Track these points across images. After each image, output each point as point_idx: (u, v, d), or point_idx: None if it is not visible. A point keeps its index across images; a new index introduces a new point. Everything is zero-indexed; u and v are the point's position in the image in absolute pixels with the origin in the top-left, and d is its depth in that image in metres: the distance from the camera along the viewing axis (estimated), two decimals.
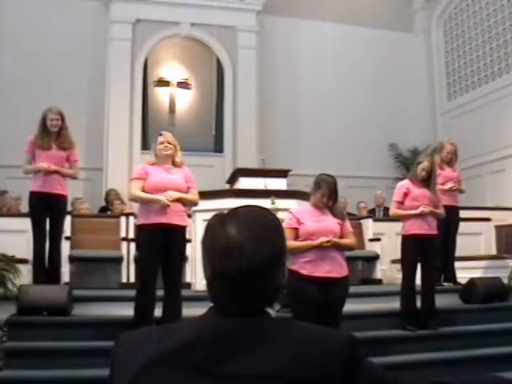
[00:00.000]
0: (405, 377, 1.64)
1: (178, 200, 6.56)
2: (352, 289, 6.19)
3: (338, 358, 1.51)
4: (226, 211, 1.67)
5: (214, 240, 1.61)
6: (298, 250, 5.90)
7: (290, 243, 5.85)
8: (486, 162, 14.15)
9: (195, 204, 6.98)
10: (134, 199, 6.81)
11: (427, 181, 7.58)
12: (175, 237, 6.54)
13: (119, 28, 14.04)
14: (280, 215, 6.07)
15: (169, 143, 6.77)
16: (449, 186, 9.07)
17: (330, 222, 6.04)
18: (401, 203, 7.59)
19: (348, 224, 6.27)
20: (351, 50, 16.04)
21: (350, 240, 6.16)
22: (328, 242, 5.88)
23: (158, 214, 6.46)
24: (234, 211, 1.66)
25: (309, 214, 6.08)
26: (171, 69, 14.82)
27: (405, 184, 7.66)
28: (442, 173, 9.07)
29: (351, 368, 1.52)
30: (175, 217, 6.52)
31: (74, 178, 7.90)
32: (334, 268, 5.91)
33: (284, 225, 5.91)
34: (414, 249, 7.39)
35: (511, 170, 13.53)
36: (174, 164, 6.81)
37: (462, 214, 9.59)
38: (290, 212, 6.18)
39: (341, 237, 6.04)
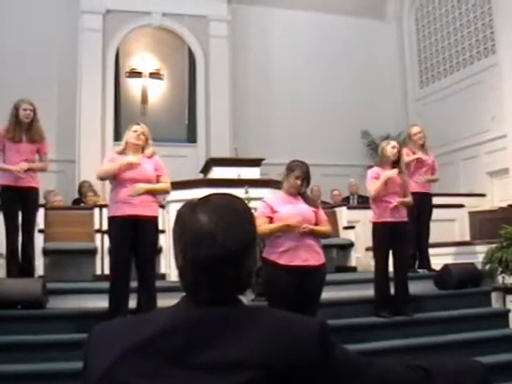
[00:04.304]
0: (380, 362, 1.65)
1: (149, 191, 6.53)
2: (327, 276, 6.19)
3: (311, 346, 1.51)
4: (196, 199, 1.67)
5: (185, 228, 1.60)
6: (273, 232, 5.89)
7: (265, 227, 5.86)
8: (458, 148, 14.22)
9: (167, 192, 6.96)
10: (102, 174, 6.75)
11: (397, 163, 7.62)
12: (146, 228, 6.51)
13: (90, 18, 13.90)
14: (253, 204, 6.09)
15: (143, 134, 6.74)
16: (424, 178, 9.13)
17: (305, 209, 6.04)
18: None
19: (322, 212, 6.28)
20: (323, 38, 16.00)
21: (326, 227, 6.18)
22: (305, 228, 5.87)
23: (127, 206, 6.43)
24: (204, 199, 1.65)
25: (283, 202, 6.08)
26: (143, 59, 14.75)
27: (375, 170, 7.66)
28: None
29: (324, 355, 1.52)
30: (144, 208, 6.49)
31: (43, 171, 7.83)
32: (311, 256, 5.92)
33: (257, 213, 5.92)
34: (384, 236, 7.40)
35: (484, 157, 13.61)
36: (144, 154, 6.77)
37: (436, 200, 9.65)
38: (263, 201, 6.18)
39: (316, 224, 6.05)
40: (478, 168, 13.72)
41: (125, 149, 6.75)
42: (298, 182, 6.06)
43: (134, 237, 6.44)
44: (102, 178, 6.91)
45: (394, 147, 7.60)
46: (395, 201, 7.40)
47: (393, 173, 7.44)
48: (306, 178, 6.12)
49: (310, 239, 5.95)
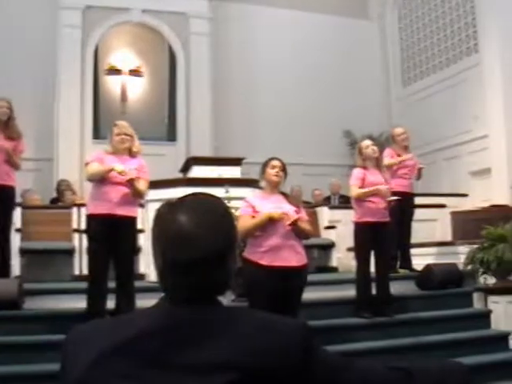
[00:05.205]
0: (361, 363, 1.66)
1: (131, 185, 6.48)
2: (308, 277, 6.21)
3: (292, 347, 1.52)
4: (175, 199, 1.66)
5: (165, 229, 1.60)
6: (257, 226, 5.89)
7: (248, 222, 5.87)
8: (441, 148, 14.28)
9: (141, 196, 6.91)
10: (92, 175, 6.62)
11: (378, 162, 7.68)
12: (125, 227, 6.49)
13: (69, 14, 13.81)
14: (234, 204, 6.09)
15: (125, 134, 6.72)
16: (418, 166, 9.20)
17: (287, 208, 6.04)
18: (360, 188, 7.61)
19: (304, 212, 6.29)
20: (306, 36, 16.00)
21: (309, 226, 6.21)
22: (289, 219, 5.88)
23: (106, 204, 6.41)
24: (183, 199, 1.65)
25: (265, 202, 6.08)
26: (123, 56, 14.68)
27: (360, 170, 7.69)
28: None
29: (305, 357, 1.52)
30: (124, 207, 6.47)
31: (17, 168, 7.69)
32: (292, 256, 5.93)
33: (240, 213, 5.93)
34: (366, 236, 7.43)
35: (466, 157, 13.68)
36: (131, 154, 6.77)
37: (418, 200, 9.71)
38: (245, 200, 6.18)
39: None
40: (461, 168, 13.79)
41: (114, 151, 6.73)
42: (277, 170, 6.09)
43: (112, 236, 6.42)
44: (91, 180, 6.79)
45: (368, 146, 7.67)
46: (377, 201, 7.44)
47: (385, 189, 7.48)
48: (283, 169, 6.15)
49: (292, 240, 5.96)
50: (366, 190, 7.51)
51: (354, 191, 7.61)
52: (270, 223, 5.89)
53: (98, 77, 14.25)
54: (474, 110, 13.31)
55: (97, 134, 13.38)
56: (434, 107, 14.67)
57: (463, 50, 14.17)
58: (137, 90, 14.79)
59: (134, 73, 14.71)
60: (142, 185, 6.65)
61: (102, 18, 14.08)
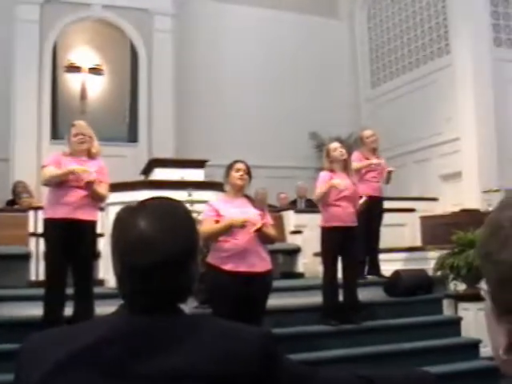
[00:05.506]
0: (327, 371, 1.67)
1: (90, 188, 6.44)
2: (273, 283, 6.23)
3: (255, 356, 1.53)
4: (135, 203, 1.66)
5: (124, 233, 1.60)
6: (218, 232, 5.90)
7: (209, 227, 5.87)
8: (410, 150, 14.39)
9: (102, 200, 6.88)
10: (49, 180, 6.51)
11: (346, 165, 7.71)
12: (84, 231, 6.45)
13: (26, 9, 13.65)
14: (197, 208, 6.09)
15: (83, 135, 6.68)
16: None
17: (251, 213, 6.05)
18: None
19: (269, 216, 6.31)
20: (274, 35, 16.06)
21: (274, 231, 6.23)
22: (253, 226, 5.90)
23: (65, 208, 6.35)
24: (143, 203, 1.65)
25: (229, 206, 6.08)
26: (82, 53, 14.57)
27: (327, 173, 7.69)
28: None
29: (268, 366, 1.53)
30: (83, 211, 6.43)
31: None
32: (257, 262, 5.94)
33: (203, 216, 5.94)
34: (334, 241, 7.43)
35: (437, 160, 13.78)
36: (90, 155, 6.72)
37: (386, 204, 9.75)
38: (209, 204, 6.19)
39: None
40: (431, 171, 13.90)
41: (71, 152, 6.68)
42: (241, 173, 6.11)
43: (71, 240, 6.38)
44: (47, 185, 6.71)
45: (336, 149, 7.69)
46: (345, 205, 7.47)
47: (339, 183, 7.47)
48: (247, 172, 6.17)
49: (257, 245, 5.98)
50: (328, 184, 7.48)
51: (316, 193, 7.64)
52: (234, 228, 5.91)
53: (56, 74, 14.13)
54: (446, 112, 13.43)
55: (55, 134, 13.27)
56: (404, 109, 14.78)
57: (434, 51, 14.29)
58: (97, 88, 14.71)
59: (95, 70, 14.62)
60: (102, 188, 6.60)
61: (61, 13, 13.94)
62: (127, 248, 1.58)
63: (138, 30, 14.52)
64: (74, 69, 14.51)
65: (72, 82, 14.56)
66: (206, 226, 5.86)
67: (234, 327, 1.62)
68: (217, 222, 5.96)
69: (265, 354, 1.54)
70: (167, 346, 1.50)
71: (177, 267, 1.58)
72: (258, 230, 5.90)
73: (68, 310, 6.46)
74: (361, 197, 7.99)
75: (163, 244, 1.56)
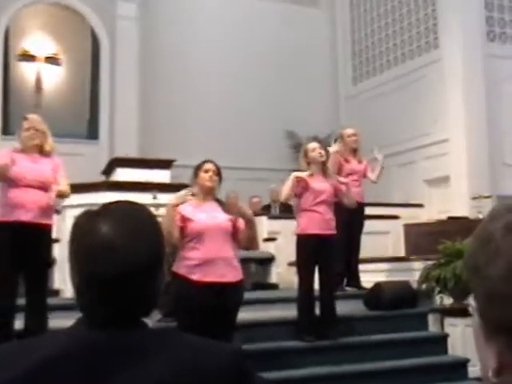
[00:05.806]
0: None
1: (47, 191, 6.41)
2: (244, 294, 6.23)
3: (228, 373, 1.53)
4: (96, 208, 1.66)
5: (83, 240, 1.59)
6: (170, 223, 5.89)
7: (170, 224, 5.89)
8: (394, 153, 14.31)
9: (66, 196, 6.87)
10: None
11: (324, 166, 7.70)
12: (38, 237, 6.40)
13: None
14: (163, 212, 6.08)
15: (36, 130, 6.64)
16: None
17: (221, 218, 6.05)
18: (296, 196, 7.58)
19: (241, 220, 6.30)
20: (248, 24, 16.08)
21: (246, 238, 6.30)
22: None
23: (17, 211, 6.30)
24: (105, 207, 1.65)
25: (197, 210, 6.07)
26: (37, 41, 14.46)
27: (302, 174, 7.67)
28: (345, 165, 9.19)
29: (240, 381, 1.54)
30: (38, 214, 6.39)
31: None
32: (227, 271, 5.93)
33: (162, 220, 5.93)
34: (310, 250, 7.40)
35: (421, 163, 13.84)
36: (42, 152, 6.68)
37: (368, 210, 9.77)
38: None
39: (233, 235, 6.08)
40: (415, 175, 13.95)
41: (23, 148, 6.64)
42: (210, 174, 6.12)
43: (23, 247, 6.33)
44: None
45: (315, 149, 7.67)
46: (323, 211, 7.47)
47: (302, 174, 7.46)
48: (217, 173, 6.19)
49: (228, 252, 5.98)
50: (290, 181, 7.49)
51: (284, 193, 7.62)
52: (203, 233, 5.92)
53: (8, 63, 14.04)
54: (433, 112, 13.48)
55: (6, 130, 13.19)
56: (388, 107, 14.80)
57: (422, 45, 14.35)
58: (54, 79, 14.61)
59: (51, 60, 14.51)
60: (63, 185, 6.59)
61: None
62: (87, 256, 1.57)
63: (100, 17, 14.44)
64: (28, 57, 14.39)
65: (26, 72, 14.46)
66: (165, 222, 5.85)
67: (204, 343, 1.62)
68: (181, 228, 5.95)
69: (237, 371, 1.55)
70: (129, 363, 1.50)
71: (141, 277, 1.57)
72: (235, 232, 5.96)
73: (18, 324, 6.41)
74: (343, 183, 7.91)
75: (126, 252, 1.55)
